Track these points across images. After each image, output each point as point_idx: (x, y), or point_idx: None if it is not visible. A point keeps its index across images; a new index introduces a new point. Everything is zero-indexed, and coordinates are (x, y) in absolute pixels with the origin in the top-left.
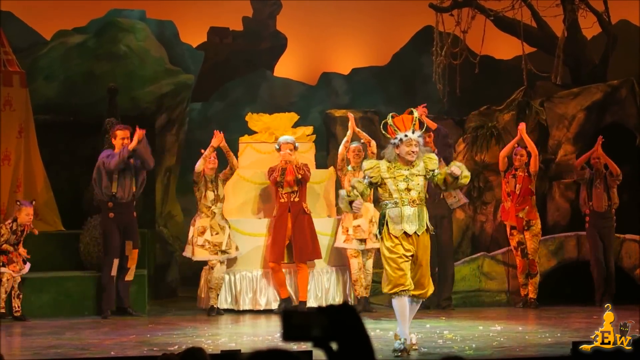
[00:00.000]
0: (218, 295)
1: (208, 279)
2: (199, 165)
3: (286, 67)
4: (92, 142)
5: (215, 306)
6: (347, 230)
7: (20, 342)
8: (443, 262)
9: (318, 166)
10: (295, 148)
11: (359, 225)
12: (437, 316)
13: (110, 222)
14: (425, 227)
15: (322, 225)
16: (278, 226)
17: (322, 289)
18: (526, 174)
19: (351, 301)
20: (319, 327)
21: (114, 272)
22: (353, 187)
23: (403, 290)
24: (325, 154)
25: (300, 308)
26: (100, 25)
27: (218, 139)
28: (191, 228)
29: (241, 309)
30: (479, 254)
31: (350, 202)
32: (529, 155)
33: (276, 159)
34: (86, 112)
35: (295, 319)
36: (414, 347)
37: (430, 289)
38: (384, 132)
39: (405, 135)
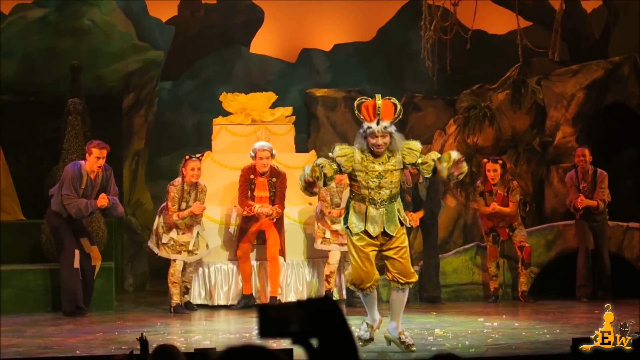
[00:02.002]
0: (187, 289)
1: (171, 273)
2: (172, 202)
3: (263, 43)
4: (54, 124)
5: (179, 304)
6: (324, 233)
7: None
8: (426, 252)
9: (298, 149)
10: (272, 156)
11: (336, 231)
12: (427, 311)
13: (61, 222)
14: (397, 224)
15: (297, 213)
16: (248, 219)
17: (302, 282)
18: (505, 192)
19: (332, 296)
20: (297, 322)
21: (77, 264)
22: (320, 167)
23: (369, 288)
24: (306, 137)
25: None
26: None
27: (199, 211)
28: (157, 218)
29: (216, 303)
30: (471, 244)
31: (309, 184)
32: (503, 167)
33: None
34: (47, 92)
35: (272, 313)
36: (411, 348)
37: (415, 277)
38: (358, 114)
39: (369, 127)
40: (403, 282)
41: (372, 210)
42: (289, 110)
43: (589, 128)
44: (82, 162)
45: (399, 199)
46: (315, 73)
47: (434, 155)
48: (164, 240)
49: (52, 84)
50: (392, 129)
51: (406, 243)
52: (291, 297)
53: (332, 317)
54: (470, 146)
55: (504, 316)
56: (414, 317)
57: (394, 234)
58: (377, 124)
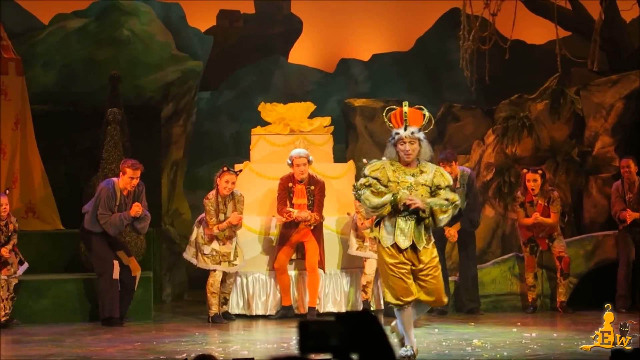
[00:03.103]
0: (226, 300)
1: (210, 283)
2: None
3: (301, 53)
4: (92, 134)
5: (218, 314)
6: (363, 242)
7: (17, 351)
8: (463, 263)
9: (336, 160)
10: (309, 162)
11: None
12: (465, 322)
13: (96, 236)
14: (427, 242)
15: (335, 223)
16: (288, 225)
17: (340, 292)
18: (545, 203)
19: (370, 306)
20: (337, 336)
21: (116, 275)
22: (368, 185)
23: (407, 303)
24: (344, 147)
25: (309, 315)
26: (102, 8)
27: (238, 221)
28: (195, 229)
29: (254, 313)
30: (510, 255)
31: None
32: (543, 177)
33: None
34: (86, 102)
35: (312, 328)
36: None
37: (445, 300)
38: (387, 123)
39: (397, 133)
40: (431, 302)
41: (401, 223)
42: (327, 120)
43: (628, 138)
44: (116, 179)
45: (431, 218)
46: (353, 83)
47: (444, 196)
48: (206, 252)
49: (91, 94)
50: (421, 135)
51: (437, 262)
52: (329, 308)
53: (372, 331)
54: (509, 156)
55: (541, 327)
56: (452, 328)
57: (421, 248)
58: (405, 129)
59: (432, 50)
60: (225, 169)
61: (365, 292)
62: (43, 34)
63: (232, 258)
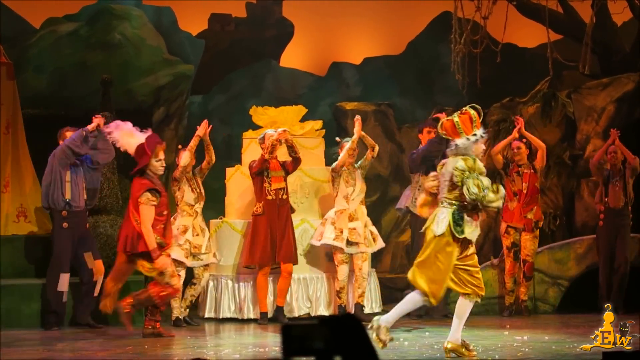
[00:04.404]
0: (192, 302)
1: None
2: (186, 159)
3: (293, 57)
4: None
5: (179, 317)
6: (342, 232)
7: (7, 355)
8: None
9: (328, 163)
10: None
11: (354, 228)
12: None
13: (63, 233)
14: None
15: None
16: (266, 226)
17: (314, 296)
18: (532, 170)
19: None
20: (321, 339)
21: (62, 288)
22: (490, 189)
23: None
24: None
25: (279, 315)
26: (93, 12)
27: (204, 128)
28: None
29: (245, 317)
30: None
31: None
32: (528, 147)
33: (280, 156)
34: (78, 106)
35: (296, 332)
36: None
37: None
38: (440, 130)
39: (481, 134)
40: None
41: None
42: (318, 123)
43: (620, 142)
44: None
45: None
46: (345, 86)
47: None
48: (180, 242)
49: (82, 97)
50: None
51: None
52: (301, 312)
53: (355, 334)
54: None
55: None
56: (443, 331)
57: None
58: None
59: (423, 53)
60: (180, 147)
61: (340, 297)
62: (34, 37)
63: (204, 250)
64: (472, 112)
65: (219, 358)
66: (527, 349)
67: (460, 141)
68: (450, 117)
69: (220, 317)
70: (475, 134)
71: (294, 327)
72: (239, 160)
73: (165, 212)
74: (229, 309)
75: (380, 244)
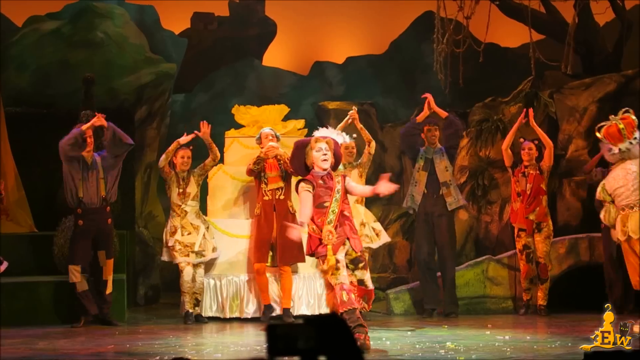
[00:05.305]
0: (198, 301)
1: (180, 282)
2: (162, 161)
3: (276, 56)
4: None
5: (190, 312)
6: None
7: None
8: (443, 264)
9: None
10: (277, 138)
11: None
12: (439, 324)
13: (77, 230)
14: None
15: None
16: (262, 226)
17: (314, 295)
18: (537, 171)
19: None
20: (305, 339)
21: (75, 279)
22: None
23: None
24: None
25: (285, 317)
26: (76, 11)
27: (203, 128)
28: (165, 229)
29: (227, 316)
30: (483, 258)
31: None
32: (538, 149)
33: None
34: (61, 104)
35: (281, 331)
36: None
37: None
38: (604, 136)
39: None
40: None
41: None
42: (301, 123)
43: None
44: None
45: None
46: (327, 86)
47: None
48: (170, 244)
49: (65, 96)
50: None
51: None
52: (303, 311)
53: (340, 334)
54: (483, 159)
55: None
56: (425, 331)
57: None
58: None
59: (406, 53)
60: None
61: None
62: (17, 36)
63: (197, 248)
64: (633, 117)
65: (200, 357)
66: (508, 349)
67: (624, 145)
68: (612, 123)
69: (203, 315)
70: (635, 137)
71: (279, 327)
72: (221, 159)
73: None
74: (211, 308)
75: (384, 238)
